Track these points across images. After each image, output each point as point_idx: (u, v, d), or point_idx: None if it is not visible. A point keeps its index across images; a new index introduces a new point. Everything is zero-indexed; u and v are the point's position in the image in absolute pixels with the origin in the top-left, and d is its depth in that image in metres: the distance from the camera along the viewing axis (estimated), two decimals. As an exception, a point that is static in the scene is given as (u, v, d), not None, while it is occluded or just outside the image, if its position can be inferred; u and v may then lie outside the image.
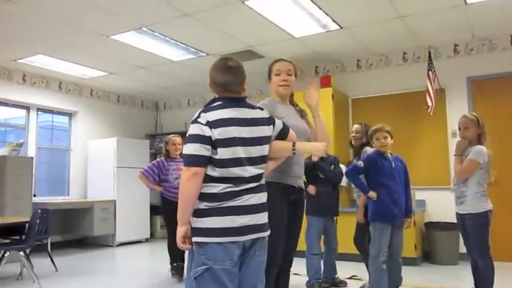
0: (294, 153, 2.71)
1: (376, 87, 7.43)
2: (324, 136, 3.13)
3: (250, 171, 2.47)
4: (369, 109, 7.38)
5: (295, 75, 3.23)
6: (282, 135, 2.68)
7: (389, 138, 4.25)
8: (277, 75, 3.16)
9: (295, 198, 3.16)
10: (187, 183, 2.38)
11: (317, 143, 2.82)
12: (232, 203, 2.41)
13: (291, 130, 2.71)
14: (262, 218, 2.52)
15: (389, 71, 7.32)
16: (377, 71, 7.43)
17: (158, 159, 5.71)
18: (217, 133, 2.40)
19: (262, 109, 2.62)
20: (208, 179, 2.43)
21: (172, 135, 5.85)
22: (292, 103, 3.27)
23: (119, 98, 9.99)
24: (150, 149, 9.82)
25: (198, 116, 2.46)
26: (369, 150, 4.53)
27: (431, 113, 6.29)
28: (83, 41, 6.45)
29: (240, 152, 2.44)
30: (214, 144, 2.40)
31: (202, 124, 2.43)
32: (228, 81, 2.53)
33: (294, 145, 2.68)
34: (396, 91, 7.20)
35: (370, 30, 6.23)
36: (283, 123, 2.70)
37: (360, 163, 4.30)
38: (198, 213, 2.45)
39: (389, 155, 4.28)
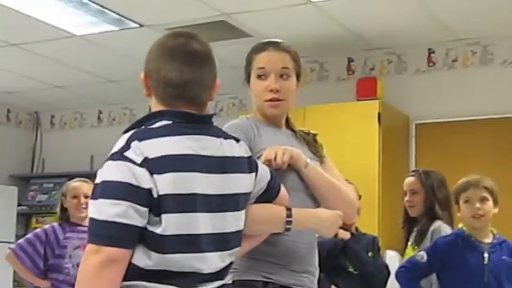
0: (287, 229, 2.12)
1: (464, 104, 5.73)
2: (333, 195, 2.45)
3: (212, 262, 1.83)
4: (448, 144, 5.72)
5: (298, 76, 2.51)
6: (269, 195, 2.06)
7: (491, 203, 3.42)
8: (260, 77, 2.41)
9: None
10: (95, 279, 1.70)
11: (328, 211, 2.29)
12: None
13: (282, 187, 2.12)
14: None
15: (489, 73, 5.68)
16: (466, 73, 5.83)
17: (47, 227, 4.57)
18: (165, 184, 1.76)
19: (238, 140, 2.01)
20: (133, 273, 1.75)
21: (76, 179, 4.65)
22: (290, 126, 2.56)
23: (-35, 102, 8.13)
24: (20, 204, 7.58)
25: (126, 146, 1.78)
26: (444, 227, 3.73)
27: None
28: None
29: (200, 224, 1.81)
30: (158, 205, 1.75)
31: (134, 163, 1.75)
32: (189, 80, 1.87)
33: (289, 213, 2.09)
34: (502, 113, 5.51)
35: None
36: (271, 173, 2.08)
37: (421, 255, 3.52)
38: None
39: (485, 239, 3.49)
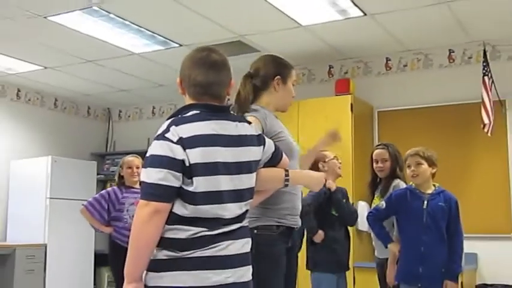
0: (286, 185, 2.34)
1: (412, 97, 6.36)
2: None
3: (232, 210, 2.01)
4: (402, 126, 6.28)
5: None
6: (274, 161, 2.26)
7: (425, 166, 3.72)
8: (293, 85, 2.83)
9: (293, 244, 2.72)
10: (146, 224, 1.90)
11: (315, 172, 2.62)
12: (205, 252, 1.94)
13: (284, 155, 2.33)
14: (246, 274, 2.05)
15: (430, 74, 6.32)
16: (413, 75, 6.40)
17: (109, 189, 5.04)
18: (194, 156, 1.94)
19: (249, 123, 2.21)
20: (173, 219, 1.95)
21: (130, 155, 5.12)
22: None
23: (57, 102, 8.61)
24: (98, 173, 8.42)
25: (166, 130, 1.98)
26: (401, 184, 4.06)
27: (489, 134, 5.33)
28: (9, 22, 5.50)
29: (222, 183, 1.99)
30: (190, 171, 1.93)
31: (172, 142, 1.94)
32: (212, 82, 2.07)
33: (287, 173, 2.30)
34: (439, 102, 6.17)
35: (404, 19, 5.44)
36: (275, 145, 2.29)
37: (382, 204, 3.90)
38: (156, 267, 1.95)
39: (427, 191, 3.75)
